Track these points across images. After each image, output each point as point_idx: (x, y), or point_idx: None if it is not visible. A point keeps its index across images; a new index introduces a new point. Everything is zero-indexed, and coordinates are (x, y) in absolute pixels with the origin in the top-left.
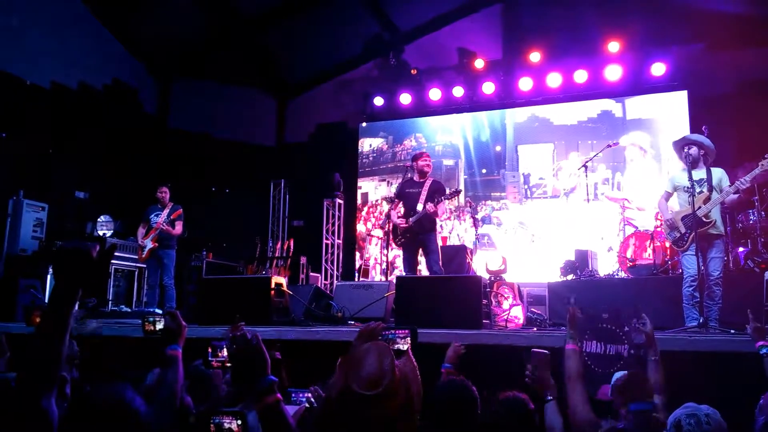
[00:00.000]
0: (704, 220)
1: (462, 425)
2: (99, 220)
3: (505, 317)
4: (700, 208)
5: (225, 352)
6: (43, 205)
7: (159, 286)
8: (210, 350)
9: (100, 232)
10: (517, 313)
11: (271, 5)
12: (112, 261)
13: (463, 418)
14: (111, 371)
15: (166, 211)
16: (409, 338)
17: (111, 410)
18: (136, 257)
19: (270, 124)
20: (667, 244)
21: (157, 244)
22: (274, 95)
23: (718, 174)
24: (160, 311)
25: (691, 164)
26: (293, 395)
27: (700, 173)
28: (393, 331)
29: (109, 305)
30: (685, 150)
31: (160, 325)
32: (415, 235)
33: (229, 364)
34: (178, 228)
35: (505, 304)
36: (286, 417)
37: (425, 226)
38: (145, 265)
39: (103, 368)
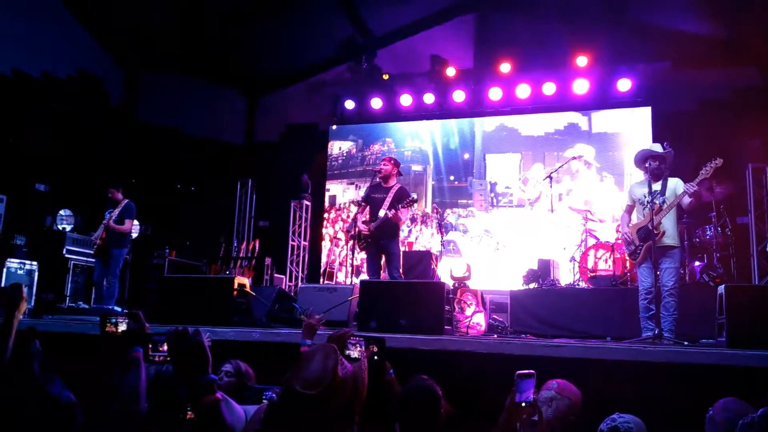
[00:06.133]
0: (654, 231)
1: (428, 424)
2: (59, 214)
3: (467, 324)
4: (651, 220)
5: (165, 347)
6: (1, 197)
7: (105, 282)
8: (150, 345)
9: (60, 227)
10: (480, 320)
11: (246, 2)
12: (71, 257)
13: (429, 417)
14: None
15: (117, 210)
16: (360, 346)
17: (32, 398)
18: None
19: (239, 122)
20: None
21: (101, 243)
22: (245, 93)
23: (673, 184)
24: (119, 309)
25: (654, 177)
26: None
27: (655, 185)
28: (356, 339)
29: (67, 301)
30: (648, 164)
31: (122, 327)
32: (377, 240)
33: (169, 359)
34: (127, 225)
35: (468, 311)
36: (224, 418)
37: (387, 232)
38: None
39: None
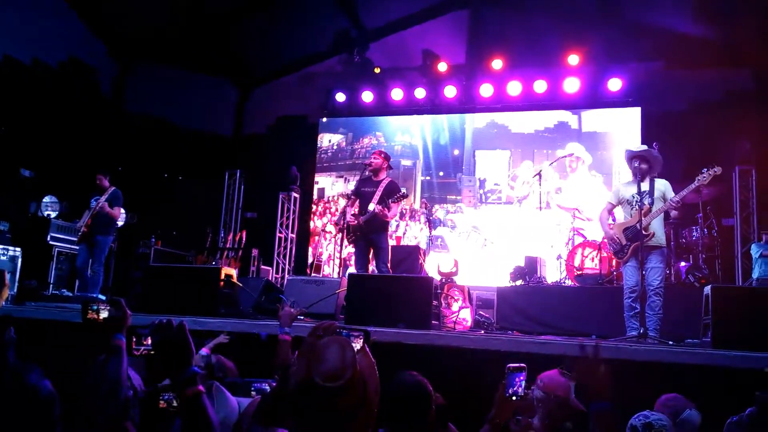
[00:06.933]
0: (643, 232)
1: (416, 420)
2: (44, 200)
3: (454, 319)
4: (641, 220)
5: (149, 341)
6: None
7: (89, 270)
8: (134, 338)
9: (45, 213)
10: (466, 316)
11: None
12: (56, 243)
13: (418, 413)
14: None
15: (104, 197)
16: (361, 338)
17: (9, 388)
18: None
19: (229, 113)
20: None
21: (87, 230)
22: (235, 84)
23: (661, 186)
24: (103, 297)
25: (640, 177)
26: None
27: (643, 186)
28: (347, 331)
29: (51, 288)
30: (636, 163)
31: (104, 314)
32: (366, 234)
33: (152, 352)
34: (116, 211)
35: (455, 306)
36: (206, 411)
37: (375, 226)
38: None
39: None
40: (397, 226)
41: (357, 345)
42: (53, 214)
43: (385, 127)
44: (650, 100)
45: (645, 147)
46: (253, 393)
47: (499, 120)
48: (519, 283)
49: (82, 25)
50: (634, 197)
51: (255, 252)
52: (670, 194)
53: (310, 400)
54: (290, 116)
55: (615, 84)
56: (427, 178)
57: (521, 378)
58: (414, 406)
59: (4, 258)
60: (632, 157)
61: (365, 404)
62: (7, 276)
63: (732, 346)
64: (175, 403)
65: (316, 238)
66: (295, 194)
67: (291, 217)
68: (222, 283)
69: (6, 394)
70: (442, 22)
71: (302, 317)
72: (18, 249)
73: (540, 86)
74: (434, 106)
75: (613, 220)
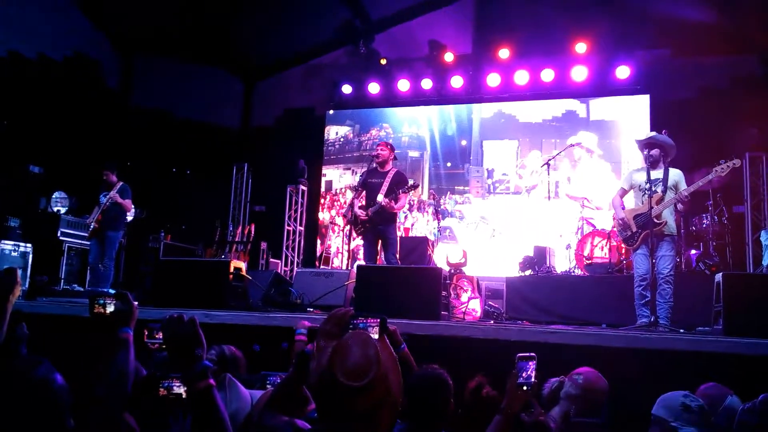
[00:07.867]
0: (655, 220)
1: (436, 414)
2: (53, 196)
3: (463, 309)
4: (653, 208)
5: (161, 335)
6: None
7: (101, 265)
8: (146, 332)
9: (55, 209)
10: (475, 306)
11: None
12: (66, 239)
13: (438, 407)
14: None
15: (113, 192)
16: (377, 327)
17: (20, 382)
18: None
19: (236, 106)
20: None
21: (98, 225)
22: (241, 77)
23: (675, 175)
24: (112, 291)
25: (651, 165)
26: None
27: (657, 173)
28: (365, 320)
29: (62, 284)
30: (647, 151)
31: (110, 308)
32: (375, 225)
33: (164, 346)
34: (127, 203)
35: (464, 297)
36: (217, 404)
37: (384, 218)
38: None
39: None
40: (406, 217)
41: (374, 335)
42: (63, 210)
43: (392, 118)
44: (658, 88)
45: (654, 133)
46: (268, 386)
47: (507, 110)
48: (528, 273)
49: (85, 18)
50: (646, 184)
51: (264, 245)
52: (683, 186)
53: (332, 397)
54: (297, 109)
55: (623, 72)
56: (435, 169)
57: (532, 366)
58: (434, 400)
59: (15, 254)
60: (647, 144)
61: (388, 402)
62: (19, 273)
63: (743, 333)
64: (175, 390)
65: (322, 224)
66: (302, 187)
67: (299, 210)
68: (231, 276)
69: (17, 387)
70: (449, 12)
71: (311, 309)
72: (29, 245)
73: (547, 75)
74: (441, 96)
75: (623, 208)
